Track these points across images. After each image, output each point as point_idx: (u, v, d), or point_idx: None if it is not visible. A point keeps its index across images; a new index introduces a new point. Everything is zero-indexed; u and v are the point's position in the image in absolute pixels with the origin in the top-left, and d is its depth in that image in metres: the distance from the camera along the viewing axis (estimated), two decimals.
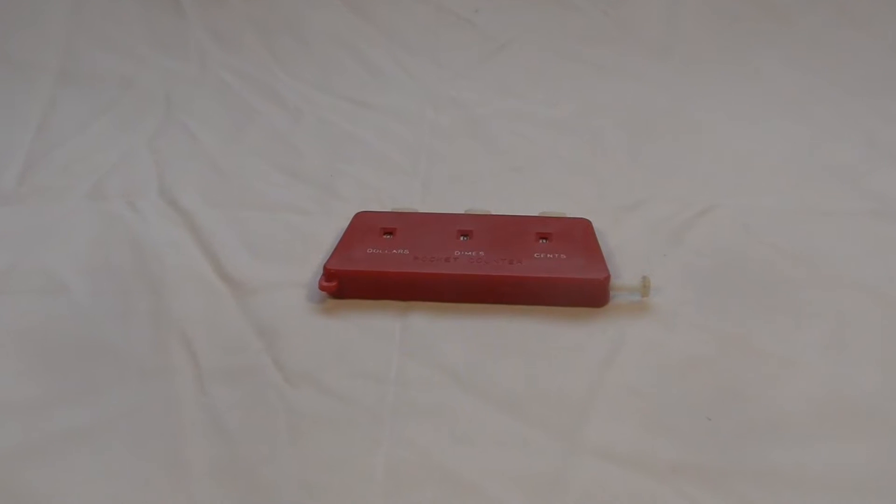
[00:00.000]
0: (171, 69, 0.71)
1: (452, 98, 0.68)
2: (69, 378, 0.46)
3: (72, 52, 0.72)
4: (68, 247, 0.54)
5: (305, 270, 0.52)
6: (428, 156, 0.62)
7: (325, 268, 0.50)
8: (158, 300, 0.50)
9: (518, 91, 0.69)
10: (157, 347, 0.48)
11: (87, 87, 0.69)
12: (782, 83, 0.68)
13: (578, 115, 0.66)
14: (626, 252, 0.53)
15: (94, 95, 0.68)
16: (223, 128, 0.65)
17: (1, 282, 0.52)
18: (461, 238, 0.52)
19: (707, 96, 0.67)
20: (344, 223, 0.54)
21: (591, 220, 0.53)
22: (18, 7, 0.74)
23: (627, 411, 0.44)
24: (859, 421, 0.44)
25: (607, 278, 0.49)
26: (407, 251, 0.51)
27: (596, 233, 0.52)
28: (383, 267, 0.50)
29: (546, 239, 0.52)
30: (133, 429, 0.44)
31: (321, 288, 0.50)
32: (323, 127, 0.65)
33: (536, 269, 0.50)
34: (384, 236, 0.52)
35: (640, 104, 0.67)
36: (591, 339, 0.48)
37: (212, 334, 0.48)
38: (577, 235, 0.52)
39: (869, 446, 0.42)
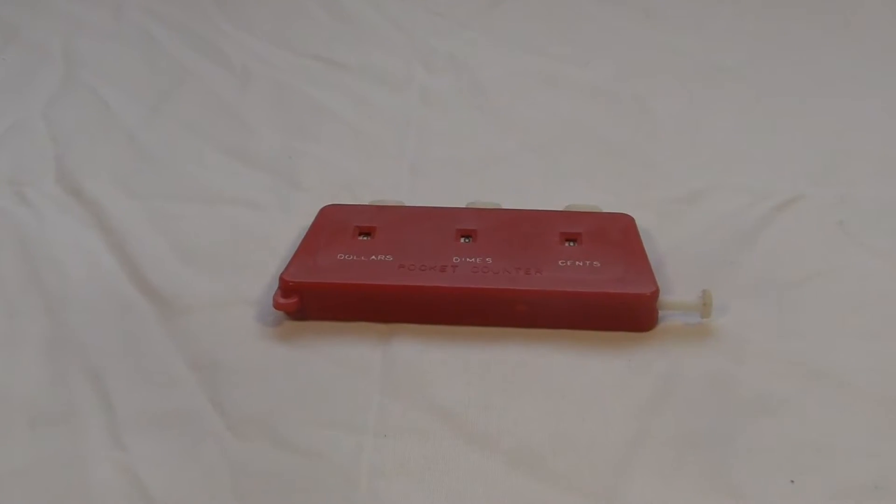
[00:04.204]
0: (73, 14, 0.71)
1: (450, 55, 0.68)
2: None
3: None
4: None
5: (256, 283, 0.53)
6: (418, 131, 0.63)
7: (281, 279, 0.51)
8: (56, 323, 0.51)
9: (537, 46, 0.69)
10: (54, 386, 0.48)
11: None
12: (886, 34, 0.69)
13: (618, 76, 0.67)
14: (679, 258, 0.54)
15: None
16: (144, 93, 0.66)
17: None
18: (462, 240, 0.53)
19: (787, 52, 0.68)
20: (307, 221, 0.55)
21: (633, 215, 0.54)
22: None
23: (682, 468, 0.45)
24: None
25: (655, 293, 0.50)
26: (390, 257, 0.51)
27: (640, 233, 0.53)
28: (359, 278, 0.51)
29: (574, 241, 0.52)
30: (21, 496, 0.44)
31: (277, 306, 0.50)
32: (279, 93, 0.66)
33: (561, 280, 0.50)
34: (360, 238, 0.53)
35: (699, 63, 0.67)
36: (633, 374, 0.48)
37: (130, 368, 0.49)
38: (614, 236, 0.53)
39: None
